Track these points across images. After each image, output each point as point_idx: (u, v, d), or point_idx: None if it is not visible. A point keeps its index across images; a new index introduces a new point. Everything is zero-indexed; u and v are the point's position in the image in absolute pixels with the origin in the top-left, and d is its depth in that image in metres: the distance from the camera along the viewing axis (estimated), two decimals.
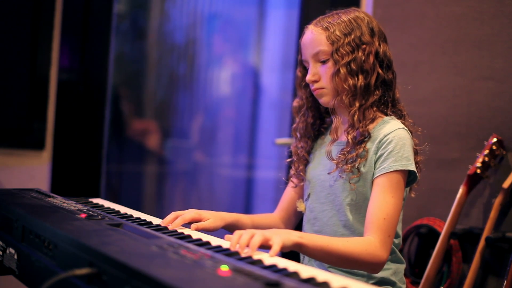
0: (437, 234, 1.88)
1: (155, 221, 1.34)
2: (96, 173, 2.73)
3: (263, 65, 3.25)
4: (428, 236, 1.99)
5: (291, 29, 2.81)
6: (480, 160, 1.84)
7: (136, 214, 1.40)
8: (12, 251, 1.25)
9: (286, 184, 1.58)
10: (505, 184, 1.80)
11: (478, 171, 1.84)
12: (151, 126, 3.18)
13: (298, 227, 1.56)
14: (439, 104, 2.03)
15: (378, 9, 2.21)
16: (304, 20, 2.37)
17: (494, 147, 1.84)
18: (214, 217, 1.36)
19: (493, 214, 1.80)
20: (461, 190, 1.85)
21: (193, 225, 1.32)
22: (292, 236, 1.14)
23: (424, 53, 2.08)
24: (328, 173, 1.40)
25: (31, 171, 2.64)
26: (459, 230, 1.88)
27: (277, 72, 3.21)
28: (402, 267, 1.41)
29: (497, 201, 1.80)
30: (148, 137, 3.16)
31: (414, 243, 2.06)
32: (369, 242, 1.25)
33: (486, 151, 1.84)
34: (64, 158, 2.65)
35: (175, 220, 1.32)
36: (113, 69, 2.81)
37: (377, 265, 1.26)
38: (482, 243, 1.79)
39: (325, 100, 1.40)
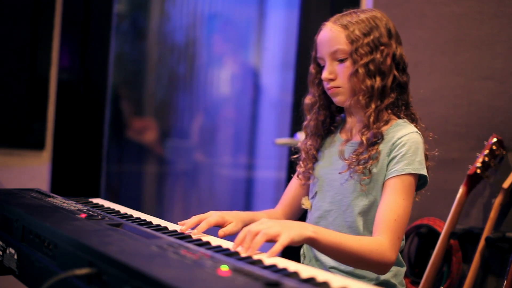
0: (437, 234, 1.88)
1: (155, 221, 1.34)
2: (96, 173, 2.73)
3: (263, 65, 3.25)
4: (428, 236, 1.99)
5: (291, 29, 2.81)
6: (480, 160, 1.84)
7: (136, 214, 1.40)
8: (12, 251, 1.25)
9: (289, 179, 1.57)
10: (505, 184, 1.80)
11: (478, 171, 1.84)
12: (149, 123, 3.18)
13: None
14: (439, 104, 2.03)
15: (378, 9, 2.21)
16: (304, 20, 2.37)
17: (494, 147, 1.84)
18: (235, 220, 1.35)
19: (493, 214, 1.80)
20: (461, 190, 1.85)
21: (220, 232, 1.29)
22: (306, 231, 1.13)
23: (424, 53, 2.08)
24: (339, 173, 1.39)
25: (31, 171, 2.64)
26: (459, 230, 1.88)
27: (277, 72, 3.21)
28: (402, 270, 1.41)
29: (497, 201, 1.80)
30: (147, 134, 3.16)
31: (414, 243, 2.06)
32: (379, 242, 1.24)
33: (486, 151, 1.84)
34: (64, 158, 2.65)
35: (197, 224, 1.29)
36: (113, 69, 2.81)
37: (385, 266, 1.26)
38: (482, 243, 1.79)
39: (340, 99, 1.39)
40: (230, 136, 3.29)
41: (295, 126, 2.38)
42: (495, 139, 1.85)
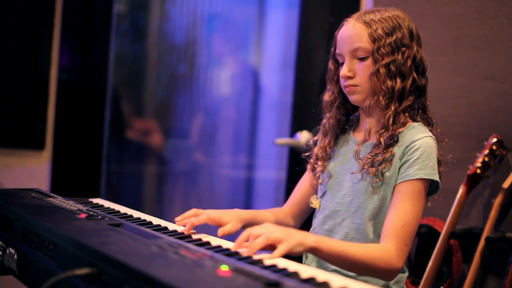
0: (437, 234, 1.88)
1: (155, 221, 1.34)
2: (96, 173, 2.73)
3: (263, 65, 3.25)
4: (428, 236, 1.99)
5: (291, 29, 2.81)
6: (480, 160, 1.84)
7: (136, 214, 1.40)
8: (12, 251, 1.25)
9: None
10: (505, 184, 1.80)
11: (478, 171, 1.84)
12: (153, 125, 3.18)
13: (307, 224, 1.54)
14: (439, 104, 2.03)
15: None
16: (304, 20, 2.37)
17: (494, 147, 1.84)
18: (234, 220, 1.33)
19: (493, 214, 1.80)
20: (461, 190, 1.85)
21: (220, 231, 1.29)
22: (308, 240, 1.12)
23: (424, 53, 2.08)
24: (352, 173, 1.37)
25: (31, 171, 2.64)
26: (459, 230, 1.88)
27: (277, 72, 3.20)
28: (404, 276, 1.40)
29: (497, 201, 1.80)
30: (151, 136, 3.16)
31: (414, 243, 2.06)
32: (385, 249, 1.23)
33: (486, 151, 1.84)
34: (64, 158, 2.65)
35: (194, 215, 1.29)
36: (113, 69, 2.81)
37: (391, 273, 1.24)
38: (482, 243, 1.79)
39: (357, 98, 1.37)
40: (230, 136, 3.29)
41: (295, 126, 2.37)
42: (495, 139, 1.85)
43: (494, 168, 1.87)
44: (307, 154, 1.53)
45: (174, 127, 3.28)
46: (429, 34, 2.07)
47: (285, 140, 2.39)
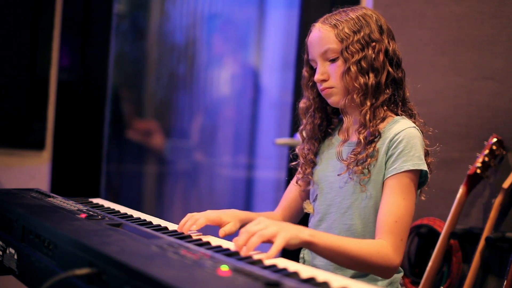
0: (437, 234, 1.88)
1: (155, 221, 1.34)
2: (96, 173, 2.73)
3: (263, 65, 3.25)
4: (428, 236, 1.99)
5: (291, 29, 2.81)
6: (480, 160, 1.84)
7: (136, 214, 1.40)
8: (12, 251, 1.25)
9: (289, 180, 1.56)
10: (505, 184, 1.80)
11: (478, 171, 1.84)
12: (153, 125, 3.18)
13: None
14: (439, 104, 2.03)
15: (378, 9, 2.21)
16: (304, 20, 2.37)
17: (494, 147, 1.84)
18: (233, 220, 1.34)
19: (493, 214, 1.80)
20: (461, 190, 1.85)
21: (221, 232, 1.30)
22: (303, 234, 1.11)
23: (424, 53, 2.08)
24: (338, 175, 1.37)
25: (31, 171, 2.64)
26: (459, 230, 1.88)
27: (277, 72, 3.20)
28: (399, 276, 1.39)
29: (497, 201, 1.80)
30: (151, 137, 3.16)
31: (414, 243, 2.06)
32: (381, 245, 1.22)
33: (486, 151, 1.84)
34: (64, 158, 2.65)
35: (193, 223, 1.28)
36: (113, 69, 2.81)
37: (389, 270, 1.23)
38: (482, 243, 1.79)
39: (335, 99, 1.37)
40: (230, 136, 3.29)
41: (295, 126, 2.37)
42: (495, 139, 1.85)
43: (494, 168, 1.87)
44: (294, 163, 1.52)
45: (174, 127, 3.28)
46: (429, 34, 2.08)
47: (285, 140, 2.39)
